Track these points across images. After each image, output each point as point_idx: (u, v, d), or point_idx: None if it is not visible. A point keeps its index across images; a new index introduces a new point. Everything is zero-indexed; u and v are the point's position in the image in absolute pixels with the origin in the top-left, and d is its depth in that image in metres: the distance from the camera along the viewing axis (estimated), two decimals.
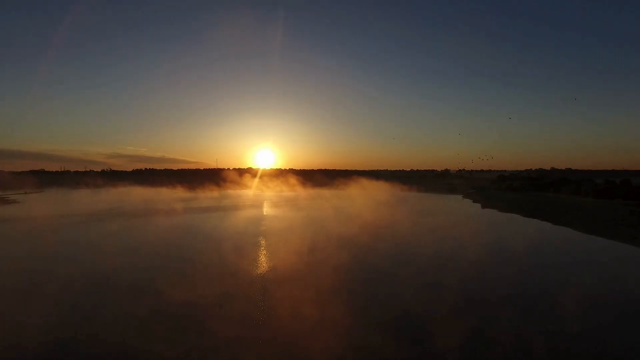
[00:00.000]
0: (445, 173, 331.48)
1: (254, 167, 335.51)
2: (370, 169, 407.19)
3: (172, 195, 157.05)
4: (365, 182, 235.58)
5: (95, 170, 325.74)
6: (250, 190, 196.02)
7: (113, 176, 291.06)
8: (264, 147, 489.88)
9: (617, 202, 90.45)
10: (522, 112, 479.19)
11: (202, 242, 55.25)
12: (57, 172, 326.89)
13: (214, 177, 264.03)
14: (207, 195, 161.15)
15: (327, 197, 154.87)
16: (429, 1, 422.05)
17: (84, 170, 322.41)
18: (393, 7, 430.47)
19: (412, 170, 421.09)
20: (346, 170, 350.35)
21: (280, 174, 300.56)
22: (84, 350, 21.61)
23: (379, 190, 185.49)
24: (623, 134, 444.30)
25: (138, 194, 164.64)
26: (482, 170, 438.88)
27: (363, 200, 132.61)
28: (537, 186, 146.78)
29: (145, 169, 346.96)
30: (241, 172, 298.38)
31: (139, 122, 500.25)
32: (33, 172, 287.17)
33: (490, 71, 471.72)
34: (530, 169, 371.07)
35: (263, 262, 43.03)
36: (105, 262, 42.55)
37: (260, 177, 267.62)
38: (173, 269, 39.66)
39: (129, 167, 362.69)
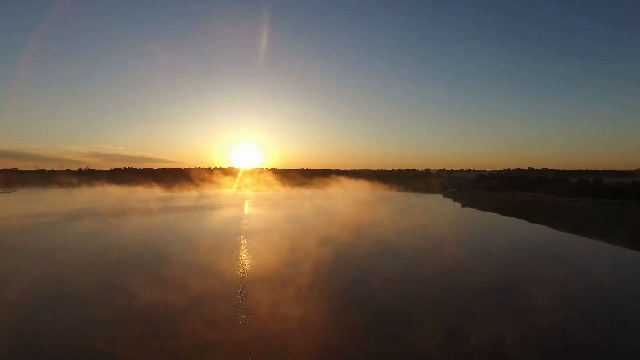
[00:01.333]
0: (426, 173, 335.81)
1: (235, 166, 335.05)
2: (352, 168, 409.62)
3: (150, 195, 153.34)
4: (346, 182, 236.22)
5: (71, 169, 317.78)
6: (231, 190, 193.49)
7: (89, 175, 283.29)
8: (245, 146, 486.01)
9: (589, 200, 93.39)
10: (502, 114, 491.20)
11: (176, 243, 53.62)
12: (31, 171, 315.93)
13: (194, 176, 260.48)
14: (186, 194, 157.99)
15: (307, 196, 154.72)
16: (411, 5, 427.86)
17: (59, 169, 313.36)
18: (375, 6, 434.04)
19: (393, 170, 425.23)
20: (327, 170, 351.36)
21: (261, 173, 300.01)
22: (46, 357, 20.46)
23: (360, 190, 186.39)
24: (596, 136, 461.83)
25: (114, 193, 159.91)
26: (462, 170, 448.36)
27: (343, 200, 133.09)
28: (515, 185, 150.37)
29: (124, 168, 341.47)
30: (222, 171, 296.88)
31: (118, 121, 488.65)
32: (5, 171, 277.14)
33: (471, 72, 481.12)
34: (509, 169, 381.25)
35: (238, 262, 42.26)
36: (73, 264, 40.63)
37: (241, 177, 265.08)
38: (145, 271, 38.29)
39: (107, 167, 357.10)
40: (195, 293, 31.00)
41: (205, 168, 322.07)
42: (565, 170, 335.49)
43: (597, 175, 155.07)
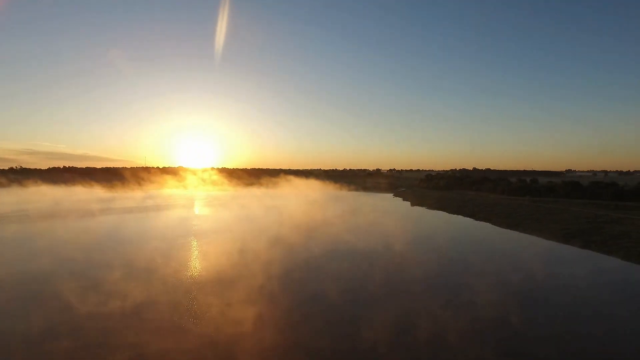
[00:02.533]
0: (377, 172, 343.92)
1: (184, 166, 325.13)
2: (304, 168, 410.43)
3: (89, 195, 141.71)
4: (297, 181, 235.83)
5: (1, 168, 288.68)
6: (179, 190, 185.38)
7: (22, 174, 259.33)
8: (196, 146, 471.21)
9: (527, 198, 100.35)
10: (449, 117, 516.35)
11: (112, 247, 49.17)
12: None
13: (141, 176, 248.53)
14: (130, 195, 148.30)
15: (257, 195, 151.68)
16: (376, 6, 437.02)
17: None
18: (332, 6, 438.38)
19: (344, 170, 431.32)
20: (279, 169, 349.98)
21: (211, 172, 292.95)
22: None
23: (311, 189, 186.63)
24: (532, 140, 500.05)
25: (49, 193, 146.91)
26: (411, 170, 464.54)
27: (294, 199, 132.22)
28: (461, 185, 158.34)
29: (63, 167, 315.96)
30: (171, 171, 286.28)
31: (58, 117, 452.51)
32: None
33: (420, 76, 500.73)
34: (455, 169, 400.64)
35: (181, 267, 39.28)
36: None
37: (190, 176, 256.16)
38: (79, 278, 34.44)
39: (44, 165, 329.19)
40: (135, 300, 28.35)
41: (152, 167, 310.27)
42: (506, 171, 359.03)
43: (534, 176, 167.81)
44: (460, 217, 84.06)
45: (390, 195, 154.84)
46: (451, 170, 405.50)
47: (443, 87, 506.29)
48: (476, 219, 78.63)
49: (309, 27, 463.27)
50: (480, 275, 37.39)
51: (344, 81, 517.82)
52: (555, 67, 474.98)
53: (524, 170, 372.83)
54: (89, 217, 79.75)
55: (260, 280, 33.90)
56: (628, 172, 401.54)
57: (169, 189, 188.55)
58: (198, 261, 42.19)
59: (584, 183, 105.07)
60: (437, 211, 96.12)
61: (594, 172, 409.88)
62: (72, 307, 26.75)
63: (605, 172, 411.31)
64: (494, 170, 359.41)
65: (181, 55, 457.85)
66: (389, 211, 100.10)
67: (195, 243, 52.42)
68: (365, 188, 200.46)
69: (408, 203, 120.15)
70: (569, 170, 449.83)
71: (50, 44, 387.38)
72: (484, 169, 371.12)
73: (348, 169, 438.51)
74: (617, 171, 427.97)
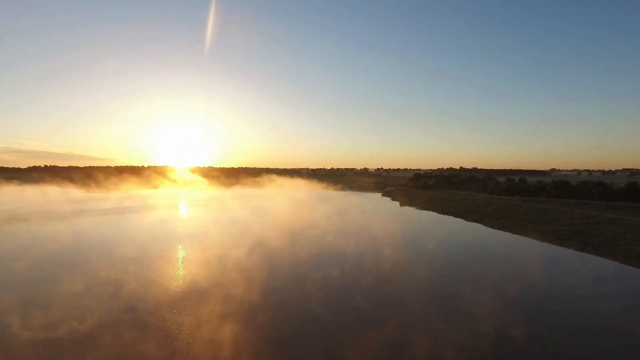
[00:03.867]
0: (364, 171, 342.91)
1: (170, 165, 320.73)
2: (291, 167, 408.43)
3: (65, 196, 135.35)
4: (284, 180, 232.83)
5: None
6: (164, 189, 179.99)
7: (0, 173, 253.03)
8: (184, 145, 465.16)
9: (517, 198, 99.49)
10: (435, 117, 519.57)
11: (80, 254, 44.85)
12: None
13: (124, 175, 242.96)
14: (110, 195, 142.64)
15: (243, 196, 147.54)
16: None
17: None
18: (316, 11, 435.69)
19: (332, 169, 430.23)
20: (267, 168, 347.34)
21: (197, 172, 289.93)
22: None
23: (298, 189, 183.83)
24: (518, 139, 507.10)
25: (21, 194, 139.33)
26: (398, 169, 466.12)
27: (281, 200, 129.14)
28: (450, 184, 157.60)
29: (44, 165, 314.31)
30: (155, 170, 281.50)
31: (41, 116, 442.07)
32: None
33: (406, 75, 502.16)
34: (442, 168, 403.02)
35: (156, 277, 35.83)
36: None
37: (175, 175, 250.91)
38: (35, 291, 30.56)
39: (25, 164, 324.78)
40: (90, 320, 24.77)
41: (136, 166, 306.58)
42: (493, 170, 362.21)
43: (520, 175, 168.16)
44: (451, 217, 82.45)
45: (378, 195, 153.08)
46: (438, 169, 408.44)
47: (430, 87, 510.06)
48: (467, 220, 77.08)
49: (297, 26, 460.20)
50: (476, 282, 35.37)
51: (331, 81, 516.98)
52: (539, 68, 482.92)
53: (511, 169, 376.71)
54: (58, 220, 74.92)
55: (237, 294, 31.03)
56: (611, 172, 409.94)
57: (149, 189, 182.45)
58: (167, 271, 38.78)
59: (573, 182, 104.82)
60: (427, 211, 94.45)
61: (579, 172, 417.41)
62: (18, 329, 23.45)
63: (589, 172, 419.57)
64: (481, 170, 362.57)
65: (167, 54, 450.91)
66: (377, 212, 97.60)
67: (166, 251, 49.00)
68: (353, 187, 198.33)
69: (397, 203, 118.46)
70: (553, 170, 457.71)
71: (33, 41, 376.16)
72: (471, 167, 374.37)
73: (335, 167, 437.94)
74: (600, 170, 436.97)
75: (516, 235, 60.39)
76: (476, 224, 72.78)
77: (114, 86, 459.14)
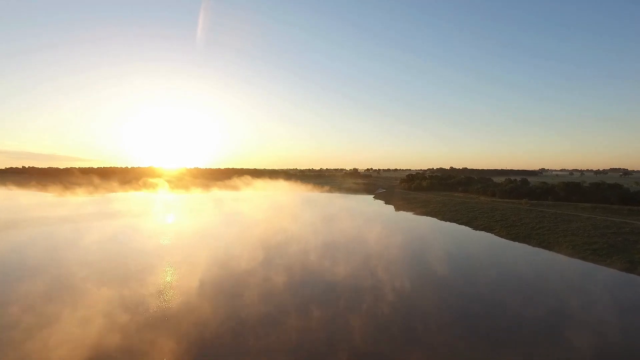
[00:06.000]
0: (354, 172, 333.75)
1: (155, 166, 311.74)
2: (280, 168, 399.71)
3: (31, 200, 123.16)
4: (272, 182, 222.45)
5: None
6: (142, 192, 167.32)
7: None
8: (170, 146, 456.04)
9: (524, 201, 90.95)
10: (426, 117, 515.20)
11: (35, 266, 36.42)
12: None
13: (107, 176, 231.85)
14: (86, 198, 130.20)
15: (230, 198, 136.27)
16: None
17: None
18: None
19: (321, 169, 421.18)
20: (254, 169, 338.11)
21: (185, 173, 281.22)
22: None
23: (287, 191, 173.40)
24: (508, 139, 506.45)
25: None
26: (389, 170, 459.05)
27: (267, 203, 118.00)
28: (445, 186, 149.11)
29: (22, 167, 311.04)
30: (140, 171, 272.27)
31: (25, 116, 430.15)
32: None
33: (396, 75, 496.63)
34: (433, 168, 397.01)
35: (120, 292, 26.36)
36: None
37: (160, 177, 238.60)
38: None
39: (2, 165, 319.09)
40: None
41: (119, 167, 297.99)
42: (483, 170, 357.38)
43: (511, 175, 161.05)
44: (454, 225, 73.28)
45: (370, 198, 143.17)
46: (429, 169, 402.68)
47: (420, 87, 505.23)
48: (475, 228, 67.96)
49: (289, 24, 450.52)
50: (505, 317, 25.94)
51: (321, 82, 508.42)
52: (529, 69, 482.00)
53: (502, 169, 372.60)
54: (16, 229, 63.83)
55: (209, 313, 22.12)
56: (603, 171, 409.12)
57: (124, 192, 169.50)
58: (134, 286, 28.95)
59: (583, 184, 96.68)
60: (427, 217, 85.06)
61: (570, 172, 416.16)
62: None
63: (581, 172, 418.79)
64: (472, 170, 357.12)
65: (156, 55, 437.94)
66: (371, 218, 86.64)
67: (135, 263, 38.76)
68: (343, 189, 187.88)
69: (391, 207, 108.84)
70: (543, 169, 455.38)
71: (24, 39, 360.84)
72: (461, 168, 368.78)
73: (325, 168, 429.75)
74: (591, 170, 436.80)
75: (538, 249, 51.37)
76: (486, 233, 63.76)
77: (101, 89, 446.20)
